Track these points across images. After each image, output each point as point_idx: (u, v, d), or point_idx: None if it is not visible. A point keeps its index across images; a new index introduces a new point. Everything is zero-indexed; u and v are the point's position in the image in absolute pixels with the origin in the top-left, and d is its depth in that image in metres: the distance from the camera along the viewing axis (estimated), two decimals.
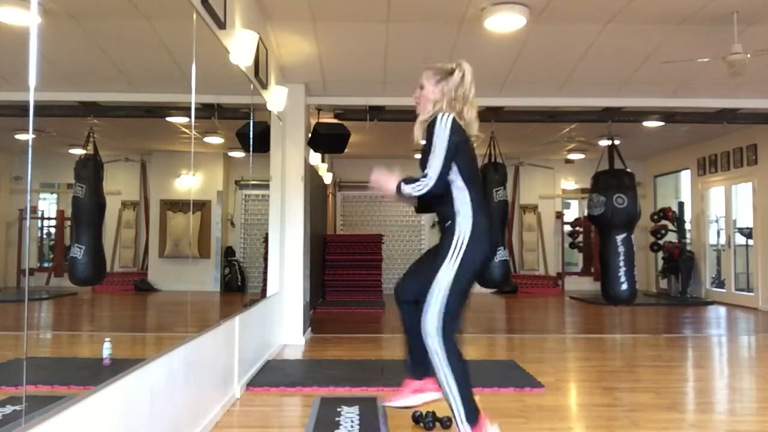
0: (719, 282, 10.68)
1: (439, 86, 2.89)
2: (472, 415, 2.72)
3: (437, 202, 2.86)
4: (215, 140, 4.64)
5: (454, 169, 2.78)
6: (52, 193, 3.42)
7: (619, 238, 6.30)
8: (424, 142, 2.84)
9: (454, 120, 2.77)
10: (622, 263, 6.28)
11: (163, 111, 3.62)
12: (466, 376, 2.74)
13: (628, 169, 6.70)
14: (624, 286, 6.28)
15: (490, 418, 2.81)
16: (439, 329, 2.72)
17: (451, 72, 2.92)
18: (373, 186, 2.82)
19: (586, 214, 8.72)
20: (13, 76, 1.95)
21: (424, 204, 2.98)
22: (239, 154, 5.01)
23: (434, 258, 2.82)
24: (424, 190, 2.72)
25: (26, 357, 1.77)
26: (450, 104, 2.86)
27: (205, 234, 4.66)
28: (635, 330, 7.69)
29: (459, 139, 2.77)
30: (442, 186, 2.74)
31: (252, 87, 4.64)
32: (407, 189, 2.74)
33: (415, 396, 2.95)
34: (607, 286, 6.41)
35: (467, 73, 2.93)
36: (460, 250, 2.75)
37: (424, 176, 2.72)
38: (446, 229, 2.82)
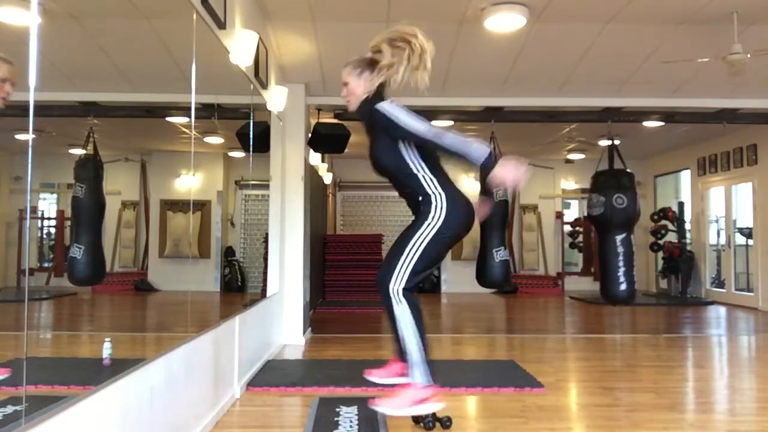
0: (719, 282, 10.68)
1: (362, 77, 2.95)
2: (426, 374, 2.73)
3: (403, 184, 2.86)
4: (215, 140, 4.64)
5: (410, 148, 2.80)
6: (52, 193, 3.42)
7: (619, 238, 6.30)
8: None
9: (391, 101, 2.85)
10: (621, 263, 6.28)
11: (163, 111, 3.62)
12: (423, 329, 2.76)
13: (628, 170, 6.70)
14: (623, 286, 6.28)
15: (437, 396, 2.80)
16: (400, 281, 2.73)
17: (371, 62, 2.94)
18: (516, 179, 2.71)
19: (585, 214, 8.73)
20: (13, 75, 1.95)
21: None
22: (239, 154, 5.01)
23: (409, 228, 2.81)
24: (448, 135, 2.73)
25: (26, 357, 1.77)
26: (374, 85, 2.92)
27: (205, 234, 4.66)
28: (635, 330, 7.69)
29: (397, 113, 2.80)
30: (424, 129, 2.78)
31: (252, 87, 4.64)
32: (474, 149, 2.67)
33: (393, 377, 2.92)
34: (606, 286, 6.41)
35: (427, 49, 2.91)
36: (440, 211, 2.75)
37: (425, 133, 2.73)
38: (421, 202, 2.80)
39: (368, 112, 2.88)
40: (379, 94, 2.91)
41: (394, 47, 2.92)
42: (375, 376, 3.00)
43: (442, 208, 2.76)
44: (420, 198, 2.81)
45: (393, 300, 2.75)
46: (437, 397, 2.79)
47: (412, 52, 2.91)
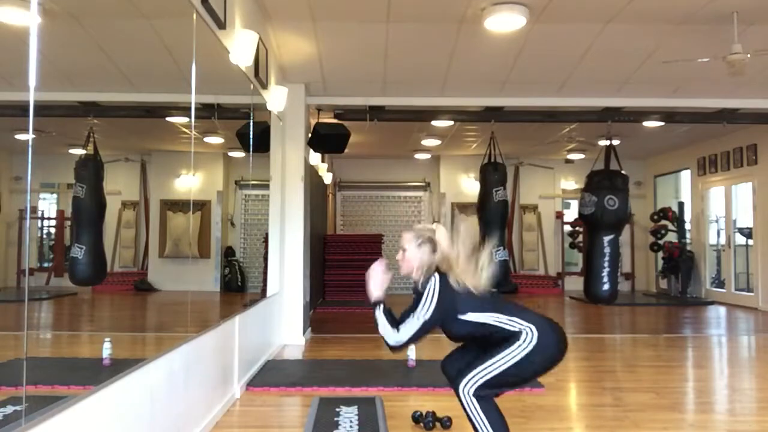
0: (719, 282, 10.68)
1: (421, 250, 2.87)
2: None
3: (489, 340, 2.81)
4: (215, 140, 4.65)
5: (464, 312, 2.77)
6: (52, 193, 3.42)
7: (606, 239, 6.31)
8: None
9: (442, 282, 2.76)
10: (606, 264, 6.30)
11: (163, 111, 3.62)
12: (499, 421, 2.72)
13: (624, 171, 6.70)
14: (606, 287, 6.30)
15: None
16: (474, 387, 2.70)
17: (431, 240, 2.87)
18: (366, 277, 2.90)
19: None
20: (13, 76, 1.95)
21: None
22: (239, 154, 5.01)
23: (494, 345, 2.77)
24: (390, 343, 2.79)
25: (26, 357, 1.77)
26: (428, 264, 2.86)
27: (205, 234, 4.67)
28: (635, 330, 7.69)
29: (447, 306, 2.74)
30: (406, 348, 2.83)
31: (252, 87, 4.64)
32: (380, 322, 2.81)
33: None
34: (590, 284, 6.43)
35: (442, 240, 2.86)
36: (531, 341, 2.72)
37: (396, 331, 2.77)
38: (511, 336, 2.77)
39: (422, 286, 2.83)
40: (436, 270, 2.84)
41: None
42: None
43: (533, 340, 2.73)
44: (508, 336, 2.77)
45: (465, 404, 2.72)
46: None
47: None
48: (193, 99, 3.22)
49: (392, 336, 2.78)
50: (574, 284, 12.22)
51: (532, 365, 2.74)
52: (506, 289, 11.21)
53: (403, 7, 4.63)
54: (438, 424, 3.39)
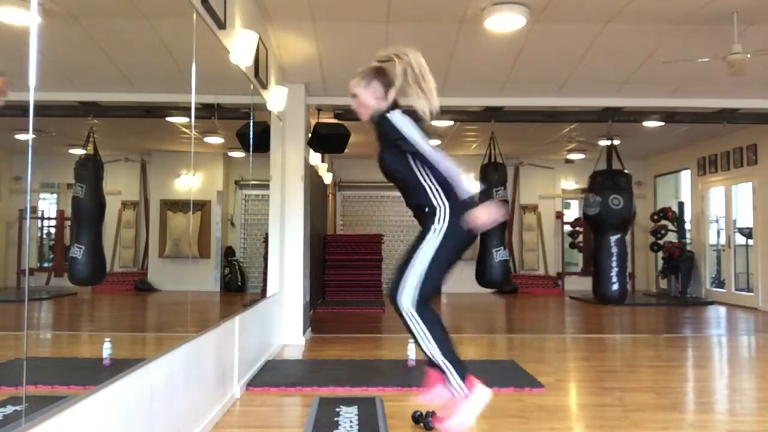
0: (719, 282, 10.68)
1: (370, 87, 2.97)
2: (461, 372, 2.86)
3: (410, 195, 2.92)
4: (215, 140, 4.64)
5: (417, 159, 2.86)
6: (52, 193, 3.42)
7: (613, 239, 6.31)
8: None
9: (402, 113, 2.85)
10: (614, 264, 6.30)
11: (163, 111, 3.62)
12: (446, 338, 2.86)
13: (626, 170, 6.70)
14: (615, 287, 6.30)
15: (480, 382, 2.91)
16: (414, 300, 2.80)
17: (378, 70, 2.96)
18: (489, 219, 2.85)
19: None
20: (13, 76, 1.95)
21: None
22: (239, 154, 5.01)
23: (415, 241, 2.88)
24: (447, 160, 2.84)
25: (26, 357, 1.77)
26: (389, 98, 2.94)
27: (205, 234, 4.66)
28: (635, 330, 7.69)
29: (418, 124, 2.83)
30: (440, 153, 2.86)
31: (252, 87, 4.64)
32: (465, 183, 2.83)
33: (438, 391, 2.96)
34: (599, 285, 6.42)
35: (412, 61, 2.92)
36: (444, 223, 2.82)
37: (427, 158, 2.80)
38: (427, 214, 2.87)
39: (379, 120, 2.89)
40: (393, 104, 2.91)
41: (399, 58, 2.92)
42: (425, 399, 3.03)
43: (445, 218, 2.82)
44: (426, 209, 2.85)
45: (408, 319, 2.81)
46: (484, 392, 2.88)
47: (410, 67, 2.92)
48: (193, 99, 3.22)
49: (443, 158, 2.83)
50: (574, 284, 12.23)
51: (447, 253, 2.86)
52: (506, 289, 11.23)
53: (403, 7, 4.63)
54: None
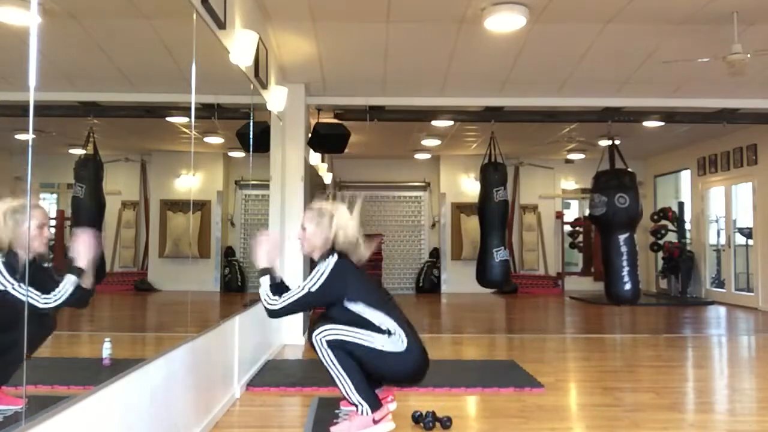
0: (719, 282, 10.68)
1: (320, 228, 3.17)
2: (367, 404, 3.00)
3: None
4: (215, 140, 4.64)
5: (352, 300, 3.03)
6: (52, 193, 3.42)
7: (622, 237, 6.29)
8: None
9: (338, 264, 3.06)
10: (625, 263, 6.27)
11: (163, 111, 3.62)
12: (354, 367, 2.97)
13: (629, 169, 6.69)
14: (627, 286, 6.28)
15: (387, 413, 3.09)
16: (328, 339, 2.98)
17: (330, 217, 3.17)
18: (253, 245, 3.13)
19: (587, 214, 8.72)
20: (13, 76, 1.95)
21: None
22: (239, 154, 5.01)
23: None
24: (267, 307, 3.05)
25: (26, 357, 1.77)
26: (327, 241, 3.15)
27: (205, 234, 4.66)
28: (635, 330, 7.69)
29: (339, 284, 3.02)
30: (283, 315, 3.09)
31: (252, 87, 4.64)
32: (262, 286, 3.08)
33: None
34: (611, 286, 6.40)
35: (336, 215, 3.18)
36: (395, 346, 3.01)
37: (277, 299, 3.04)
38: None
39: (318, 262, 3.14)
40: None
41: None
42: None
43: (400, 345, 3.08)
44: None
45: (318, 350, 3.00)
46: (387, 419, 3.05)
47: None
48: (193, 99, 3.22)
49: (271, 300, 3.01)
50: (574, 284, 12.24)
51: (380, 362, 2.98)
52: (506, 289, 11.23)
53: (403, 7, 4.63)
54: (438, 424, 3.39)
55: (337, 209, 3.17)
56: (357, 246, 3.12)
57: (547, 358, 5.60)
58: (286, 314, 3.07)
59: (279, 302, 3.00)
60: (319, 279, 2.97)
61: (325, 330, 2.93)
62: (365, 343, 2.92)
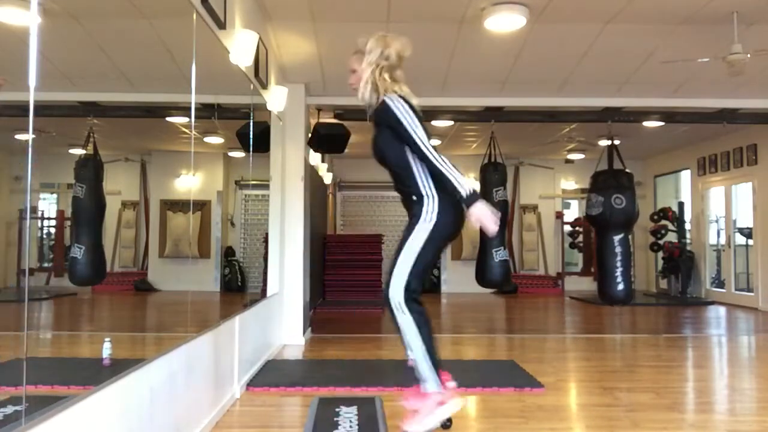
0: (719, 282, 10.68)
1: (365, 62, 3.03)
2: (436, 380, 2.86)
3: (400, 180, 2.94)
4: (215, 140, 4.65)
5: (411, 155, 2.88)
6: (52, 193, 3.42)
7: (617, 238, 6.31)
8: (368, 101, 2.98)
9: (403, 99, 2.89)
10: (619, 263, 6.29)
11: (163, 111, 3.62)
12: (430, 335, 2.84)
13: (627, 170, 6.70)
14: (620, 286, 6.29)
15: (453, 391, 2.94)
16: (402, 292, 2.81)
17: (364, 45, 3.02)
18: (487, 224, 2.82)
19: (584, 214, 8.72)
20: (13, 76, 1.95)
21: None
22: (239, 154, 5.01)
23: (404, 231, 2.91)
24: (439, 159, 2.82)
25: (26, 357, 1.77)
26: (382, 75, 2.99)
27: (205, 234, 4.66)
28: (635, 330, 7.69)
29: (416, 113, 2.87)
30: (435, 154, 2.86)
31: (252, 87, 4.64)
32: (463, 185, 2.80)
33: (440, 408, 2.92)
34: (604, 286, 6.41)
35: (389, 42, 3.02)
36: (431, 214, 2.83)
37: (424, 155, 2.82)
38: (415, 202, 2.89)
39: (376, 104, 2.91)
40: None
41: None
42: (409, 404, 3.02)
43: (433, 210, 2.84)
44: (414, 198, 2.86)
45: (395, 311, 2.82)
46: (454, 398, 2.91)
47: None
48: (193, 99, 3.22)
49: (438, 158, 2.82)
50: (574, 284, 12.24)
51: (432, 244, 2.84)
52: (506, 289, 11.23)
53: (403, 7, 4.63)
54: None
55: (373, 34, 3.02)
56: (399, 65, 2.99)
57: (547, 358, 5.60)
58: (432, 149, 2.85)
59: (428, 149, 2.83)
60: (407, 114, 2.83)
61: (394, 285, 2.82)
62: (417, 252, 2.81)
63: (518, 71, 6.04)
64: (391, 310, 2.84)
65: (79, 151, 2.99)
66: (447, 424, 3.36)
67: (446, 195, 2.84)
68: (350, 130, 6.95)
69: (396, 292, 2.82)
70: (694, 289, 10.81)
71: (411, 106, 2.89)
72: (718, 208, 10.77)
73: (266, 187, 5.67)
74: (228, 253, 5.57)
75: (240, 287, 6.02)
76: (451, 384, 2.95)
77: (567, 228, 12.65)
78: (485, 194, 6.99)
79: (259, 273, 6.02)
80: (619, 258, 6.28)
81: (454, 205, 2.85)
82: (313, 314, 8.03)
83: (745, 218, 9.95)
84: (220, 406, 3.65)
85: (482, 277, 7.00)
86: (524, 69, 5.96)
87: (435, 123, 8.05)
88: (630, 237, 6.44)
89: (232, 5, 3.93)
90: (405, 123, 2.83)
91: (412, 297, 2.83)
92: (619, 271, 6.27)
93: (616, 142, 7.01)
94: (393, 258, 2.90)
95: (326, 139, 6.80)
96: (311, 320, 7.17)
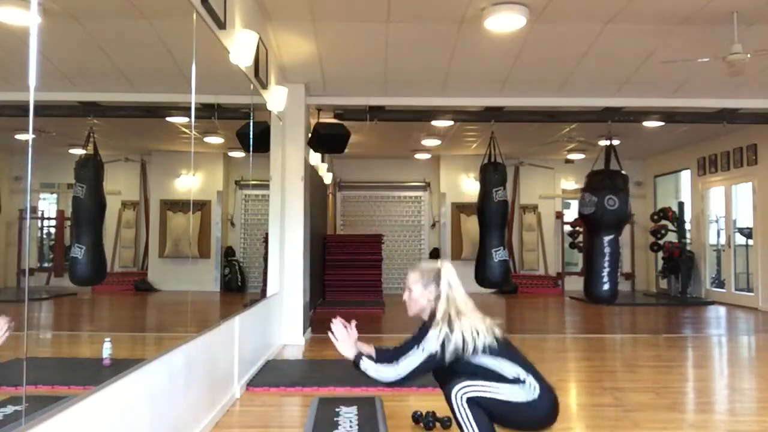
0: (719, 282, 10.68)
1: (428, 290, 2.90)
2: None
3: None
4: (215, 140, 4.65)
5: (476, 353, 2.75)
6: (52, 193, 3.42)
7: (607, 239, 6.31)
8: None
9: (446, 336, 2.73)
10: (606, 264, 6.29)
11: (163, 111, 3.62)
12: (488, 426, 2.69)
13: (623, 171, 6.69)
14: (606, 286, 6.29)
15: None
16: (468, 396, 2.69)
17: (438, 274, 2.91)
18: (334, 342, 2.89)
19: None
20: (13, 76, 1.95)
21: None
22: (239, 154, 5.01)
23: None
24: (388, 380, 2.76)
25: (26, 357, 1.77)
26: (444, 310, 2.84)
27: (205, 234, 4.67)
28: (635, 330, 7.69)
29: (450, 353, 2.72)
30: (407, 381, 2.77)
31: (252, 87, 4.64)
32: (369, 370, 2.79)
33: None
34: (590, 284, 6.42)
35: (451, 278, 2.95)
36: (530, 395, 2.71)
37: (396, 364, 2.75)
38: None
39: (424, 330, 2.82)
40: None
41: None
42: None
43: (533, 393, 2.73)
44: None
45: (455, 405, 2.70)
46: None
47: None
48: (193, 99, 3.22)
49: (389, 372, 2.75)
50: (574, 284, 12.21)
51: (515, 414, 2.71)
52: (506, 289, 11.23)
53: (403, 7, 4.63)
54: (438, 424, 3.39)
55: (444, 265, 3.02)
56: (464, 313, 2.84)
57: (547, 358, 5.59)
58: (409, 381, 2.79)
59: (396, 369, 2.75)
60: (436, 341, 2.72)
61: (464, 386, 2.67)
62: (502, 398, 2.68)
63: (518, 71, 6.04)
64: (451, 404, 2.71)
65: (79, 151, 2.99)
66: (447, 423, 3.37)
67: (544, 389, 2.76)
68: (350, 130, 6.95)
69: (461, 392, 2.70)
70: (694, 289, 10.81)
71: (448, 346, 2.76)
72: (718, 208, 10.77)
73: (266, 187, 5.67)
74: (228, 253, 5.57)
75: (240, 287, 6.02)
76: None
77: (567, 228, 12.65)
78: (485, 194, 6.99)
79: (259, 273, 6.02)
80: (607, 258, 6.28)
81: (550, 398, 2.78)
82: (313, 314, 8.03)
83: (745, 218, 9.95)
84: (220, 406, 3.65)
85: (482, 277, 7.00)
86: (524, 69, 5.96)
87: (435, 123, 8.06)
88: (620, 238, 6.44)
89: (232, 5, 3.93)
90: (424, 346, 2.77)
91: (475, 402, 2.71)
92: (606, 272, 6.27)
93: (616, 142, 7.01)
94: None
95: (326, 139, 6.80)
96: (311, 320, 7.17)
